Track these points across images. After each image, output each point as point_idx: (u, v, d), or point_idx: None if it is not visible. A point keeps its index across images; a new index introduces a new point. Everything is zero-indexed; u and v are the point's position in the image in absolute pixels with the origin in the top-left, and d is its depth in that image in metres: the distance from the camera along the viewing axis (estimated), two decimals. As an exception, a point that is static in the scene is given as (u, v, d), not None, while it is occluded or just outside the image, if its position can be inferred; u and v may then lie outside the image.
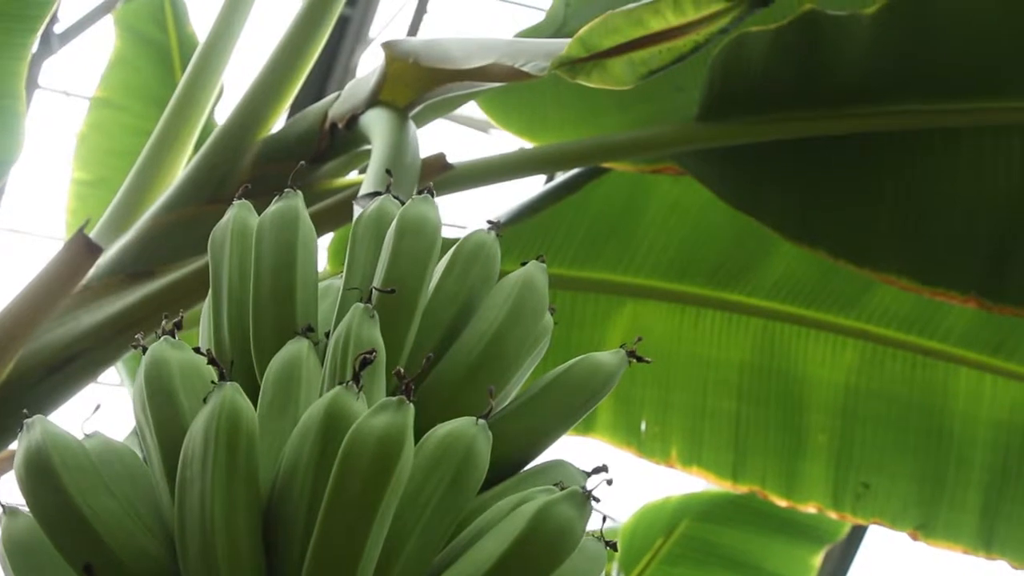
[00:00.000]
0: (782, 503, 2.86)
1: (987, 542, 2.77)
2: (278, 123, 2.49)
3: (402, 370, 1.42)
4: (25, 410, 1.59)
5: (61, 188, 4.00)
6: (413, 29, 9.81)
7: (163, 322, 1.57)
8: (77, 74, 8.19)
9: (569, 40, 2.07)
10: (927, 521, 2.78)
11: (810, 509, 2.86)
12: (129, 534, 1.44)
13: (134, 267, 2.46)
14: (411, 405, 1.35)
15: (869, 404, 2.79)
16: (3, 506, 1.51)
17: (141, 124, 3.54)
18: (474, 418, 1.40)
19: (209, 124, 2.63)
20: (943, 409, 2.76)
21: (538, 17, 2.81)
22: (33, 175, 7.55)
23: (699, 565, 4.53)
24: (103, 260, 2.44)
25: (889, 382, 2.78)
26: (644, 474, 2.94)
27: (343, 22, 8.48)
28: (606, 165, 2.60)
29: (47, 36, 9.22)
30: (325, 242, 2.67)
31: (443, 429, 1.41)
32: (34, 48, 2.86)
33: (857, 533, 8.55)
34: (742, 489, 2.87)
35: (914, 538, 2.78)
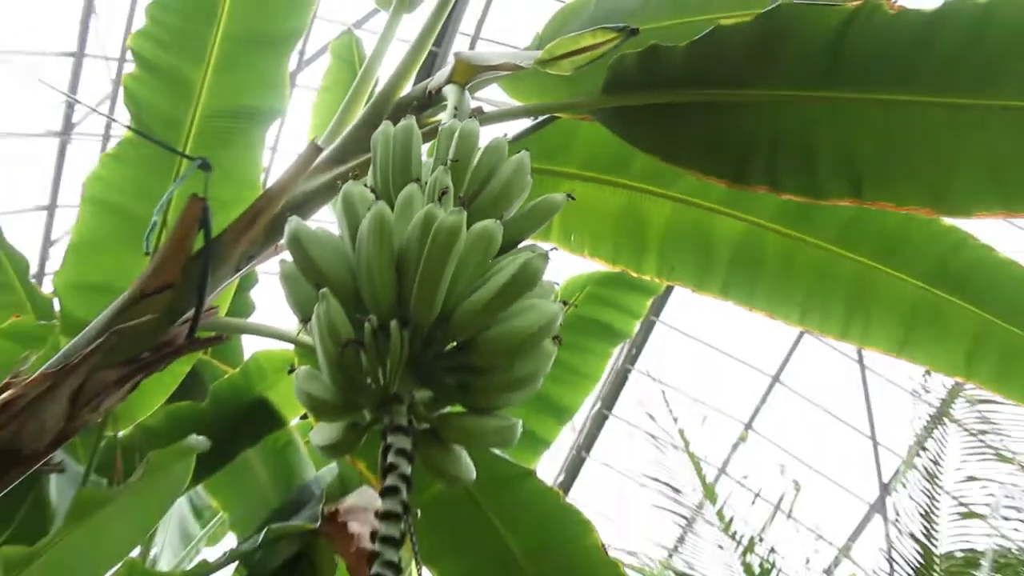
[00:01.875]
0: (635, 275, 2.90)
1: (724, 292, 2.83)
2: (406, 90, 2.49)
3: (462, 195, 1.57)
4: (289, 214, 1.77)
5: (303, 131, 4.37)
6: (473, 42, 10.13)
7: (349, 178, 1.69)
8: (314, 78, 9.28)
9: (541, 51, 2.14)
10: (700, 283, 2.84)
11: (647, 278, 2.88)
12: (336, 270, 1.48)
13: (338, 158, 2.44)
14: (465, 212, 1.41)
15: (675, 232, 2.81)
16: (281, 260, 1.56)
17: (341, 97, 3.21)
18: (495, 220, 1.48)
19: (371, 94, 2.60)
20: (711, 233, 2.79)
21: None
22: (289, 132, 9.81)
23: (594, 306, 4.71)
24: (322, 155, 2.43)
25: (684, 222, 2.80)
26: (572, 261, 2.90)
27: (432, 56, 8.61)
28: (557, 115, 2.57)
29: (300, 58, 10.36)
30: (424, 148, 2.30)
31: (480, 224, 1.47)
32: (292, 66, 2.97)
33: (668, 291, 9.32)
34: (617, 269, 2.88)
35: (694, 291, 2.83)
